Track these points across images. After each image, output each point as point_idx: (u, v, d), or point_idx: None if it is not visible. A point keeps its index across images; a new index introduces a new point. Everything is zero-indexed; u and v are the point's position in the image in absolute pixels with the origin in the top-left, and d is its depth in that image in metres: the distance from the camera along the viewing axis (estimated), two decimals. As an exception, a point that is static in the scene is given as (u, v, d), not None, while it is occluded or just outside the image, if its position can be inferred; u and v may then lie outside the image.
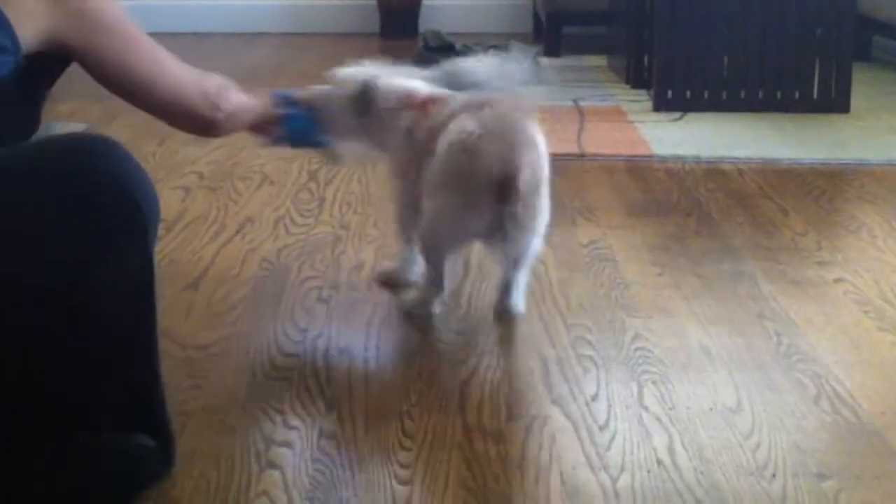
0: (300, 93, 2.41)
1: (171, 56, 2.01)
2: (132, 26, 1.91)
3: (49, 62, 1.80)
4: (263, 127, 2.35)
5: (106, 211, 1.50)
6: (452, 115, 2.17)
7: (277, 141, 2.42)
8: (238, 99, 2.18)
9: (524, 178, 2.08)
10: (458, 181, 2.12)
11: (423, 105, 2.27)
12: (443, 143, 2.14)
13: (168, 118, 2.09)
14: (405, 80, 2.35)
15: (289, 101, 2.38)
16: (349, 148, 2.48)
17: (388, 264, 2.50)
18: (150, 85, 1.96)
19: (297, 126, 2.38)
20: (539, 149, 2.18)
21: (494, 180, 2.08)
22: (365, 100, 2.31)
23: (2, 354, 1.45)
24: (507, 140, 2.10)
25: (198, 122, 2.11)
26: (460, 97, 2.24)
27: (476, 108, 2.15)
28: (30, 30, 1.71)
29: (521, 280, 2.29)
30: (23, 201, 1.46)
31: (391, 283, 2.41)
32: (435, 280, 2.27)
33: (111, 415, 1.55)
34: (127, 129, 3.63)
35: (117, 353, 1.54)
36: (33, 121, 1.83)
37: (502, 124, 2.12)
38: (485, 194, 2.10)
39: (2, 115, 1.68)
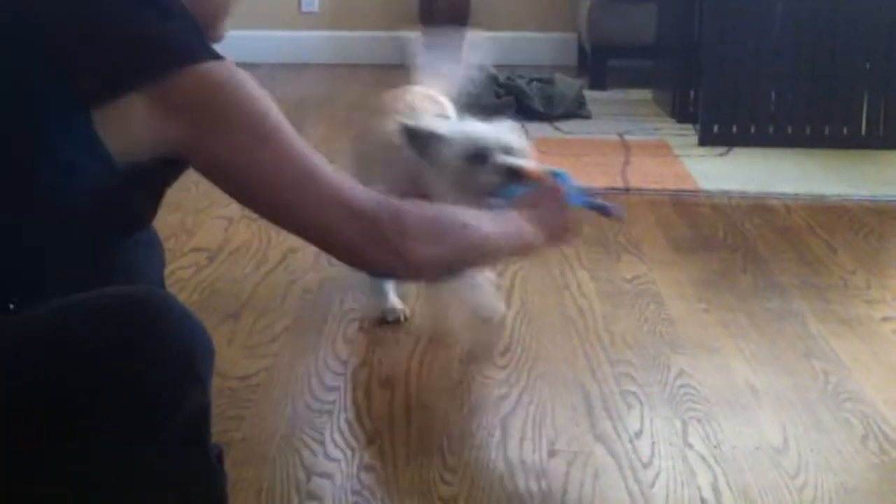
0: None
1: (324, 164, 1.55)
2: (277, 124, 1.50)
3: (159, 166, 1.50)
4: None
5: (164, 378, 1.37)
6: None
7: None
8: (451, 226, 1.67)
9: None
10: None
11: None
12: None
13: (315, 242, 1.66)
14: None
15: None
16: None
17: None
18: (288, 198, 1.54)
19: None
20: None
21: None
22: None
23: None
24: None
25: (348, 254, 1.62)
26: None
27: None
28: (131, 138, 1.43)
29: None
30: (80, 367, 1.35)
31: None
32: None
33: None
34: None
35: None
36: (150, 204, 1.59)
37: None
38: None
39: (104, 212, 1.49)
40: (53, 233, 1.46)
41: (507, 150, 2.01)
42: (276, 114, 1.50)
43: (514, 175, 1.95)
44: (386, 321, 2.39)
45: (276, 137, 1.50)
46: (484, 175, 1.98)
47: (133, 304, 1.38)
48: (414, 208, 1.63)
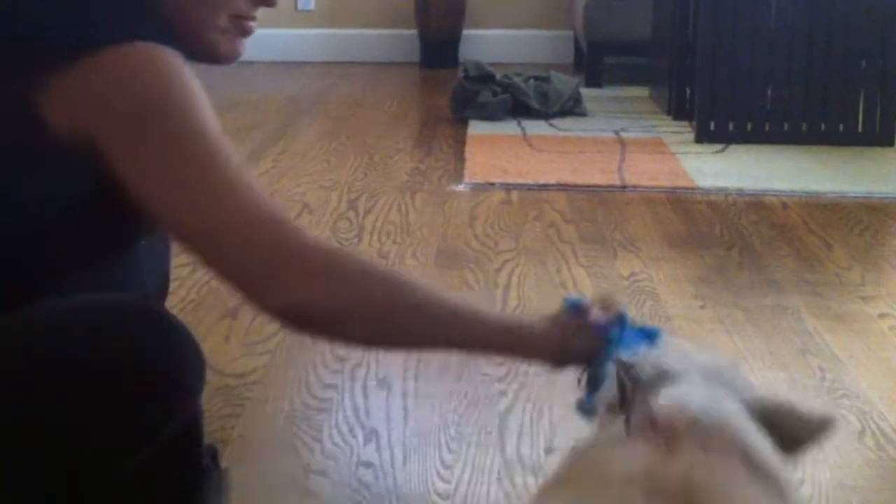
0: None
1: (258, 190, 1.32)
2: (194, 122, 1.29)
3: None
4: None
5: (151, 393, 1.33)
6: None
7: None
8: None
9: None
10: None
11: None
12: None
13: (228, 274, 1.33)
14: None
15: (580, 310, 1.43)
16: None
17: None
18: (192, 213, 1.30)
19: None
20: None
21: None
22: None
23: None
24: None
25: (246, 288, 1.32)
26: None
27: None
28: (60, 122, 1.29)
29: None
30: (69, 372, 1.31)
31: None
32: None
33: None
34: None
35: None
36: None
37: None
38: None
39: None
40: (54, 235, 1.38)
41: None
42: (191, 109, 1.30)
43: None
44: None
45: (186, 135, 1.29)
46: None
47: (121, 318, 1.33)
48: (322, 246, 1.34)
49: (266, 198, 1.31)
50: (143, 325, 1.32)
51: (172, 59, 1.30)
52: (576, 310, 1.41)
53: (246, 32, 1.47)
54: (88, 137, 1.28)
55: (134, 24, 1.33)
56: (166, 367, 1.32)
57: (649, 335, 1.38)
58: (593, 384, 1.37)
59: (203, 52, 1.44)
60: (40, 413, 1.30)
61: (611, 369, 1.29)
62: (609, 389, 1.27)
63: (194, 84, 1.31)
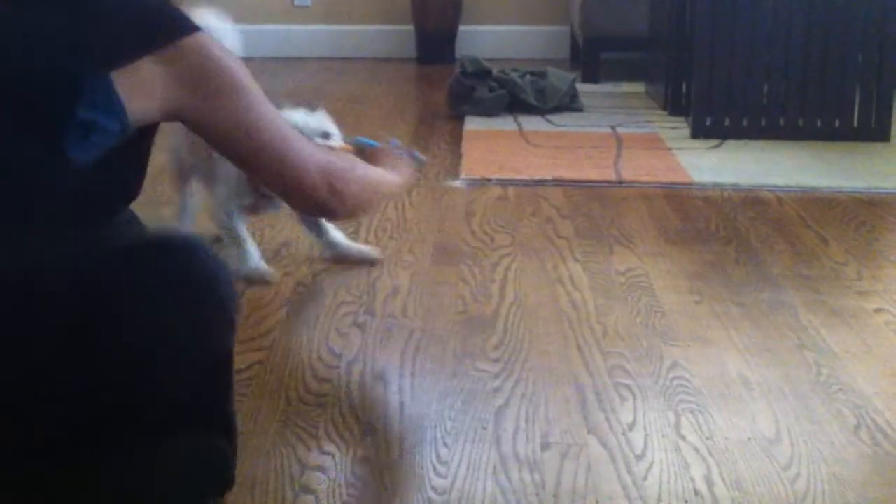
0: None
1: (294, 130, 1.88)
2: (257, 91, 1.77)
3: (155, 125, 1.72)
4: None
5: (203, 315, 1.53)
6: None
7: None
8: (364, 179, 2.06)
9: None
10: None
11: None
12: None
13: (284, 194, 1.99)
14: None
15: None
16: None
17: None
18: (271, 156, 1.82)
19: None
20: None
21: None
22: None
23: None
24: None
25: (312, 204, 1.98)
26: None
27: None
28: (144, 101, 1.62)
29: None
30: (130, 300, 1.48)
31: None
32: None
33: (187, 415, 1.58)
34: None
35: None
36: (139, 175, 1.75)
37: None
38: None
39: (107, 182, 1.63)
40: (61, 198, 1.56)
41: (325, 136, 2.52)
42: (253, 81, 1.77)
43: None
44: (251, 282, 2.57)
45: (258, 102, 1.77)
46: None
47: (166, 242, 1.57)
48: (346, 166, 2.00)
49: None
50: (202, 256, 1.54)
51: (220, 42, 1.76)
52: None
53: None
54: (177, 108, 1.66)
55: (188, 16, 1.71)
56: (218, 290, 1.54)
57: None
58: None
59: None
60: (102, 386, 1.45)
61: None
62: None
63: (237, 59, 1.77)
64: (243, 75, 1.75)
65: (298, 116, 2.56)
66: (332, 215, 2.33)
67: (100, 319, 1.44)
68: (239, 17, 1.73)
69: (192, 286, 1.51)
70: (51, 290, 1.44)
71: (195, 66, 1.67)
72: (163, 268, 1.50)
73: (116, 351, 1.45)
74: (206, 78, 1.69)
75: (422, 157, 2.54)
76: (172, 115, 1.68)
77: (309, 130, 2.40)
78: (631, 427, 1.92)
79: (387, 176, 2.20)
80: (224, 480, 1.66)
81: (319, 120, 2.61)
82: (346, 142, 2.52)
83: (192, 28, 1.68)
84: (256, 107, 1.77)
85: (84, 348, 1.43)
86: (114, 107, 1.56)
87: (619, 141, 4.11)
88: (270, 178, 1.93)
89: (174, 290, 1.49)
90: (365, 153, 2.32)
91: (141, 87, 1.60)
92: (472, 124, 4.38)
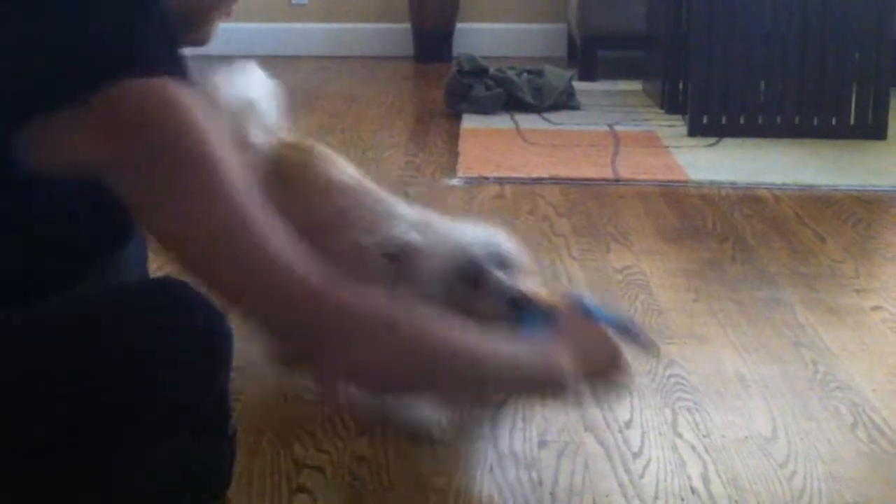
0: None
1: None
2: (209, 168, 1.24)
3: None
4: None
5: (194, 362, 1.45)
6: None
7: None
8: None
9: None
10: None
11: None
12: None
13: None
14: None
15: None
16: None
17: None
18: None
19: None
20: None
21: None
22: None
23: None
24: None
25: None
26: None
27: None
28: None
29: None
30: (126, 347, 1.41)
31: None
32: None
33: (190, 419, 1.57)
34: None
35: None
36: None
37: None
38: None
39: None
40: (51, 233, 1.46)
41: (504, 264, 1.68)
42: (214, 155, 1.25)
43: (521, 305, 1.61)
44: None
45: (206, 186, 1.25)
46: (483, 302, 1.65)
47: (158, 291, 1.44)
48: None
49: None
50: (180, 294, 1.41)
51: (186, 101, 1.25)
52: None
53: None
54: (98, 164, 1.24)
55: (149, 38, 1.26)
56: (206, 330, 1.43)
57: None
58: None
59: (198, 38, 1.50)
60: (101, 389, 1.40)
61: None
62: None
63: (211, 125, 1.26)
64: (194, 145, 1.26)
65: (460, 233, 1.76)
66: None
67: (99, 318, 1.44)
68: (236, 15, 1.67)
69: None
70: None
71: (124, 119, 1.24)
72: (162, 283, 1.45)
73: (115, 351, 1.44)
74: (136, 138, 1.25)
75: (648, 341, 1.73)
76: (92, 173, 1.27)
77: (476, 259, 1.68)
78: (628, 425, 1.92)
79: (533, 353, 1.48)
80: (222, 481, 1.66)
81: (491, 238, 1.77)
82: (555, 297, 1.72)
83: (135, 69, 1.23)
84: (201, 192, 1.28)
85: (84, 348, 1.43)
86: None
87: (616, 139, 4.11)
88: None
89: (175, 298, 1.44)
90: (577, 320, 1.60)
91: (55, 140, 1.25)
92: (469, 122, 4.38)
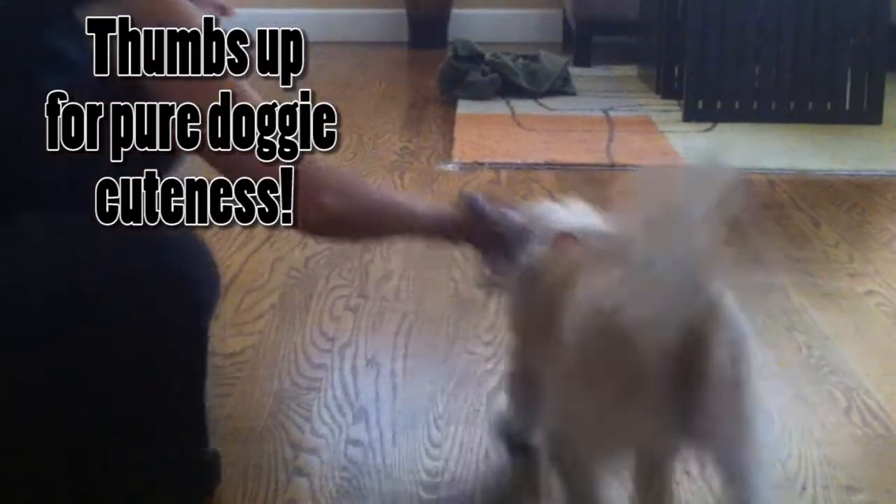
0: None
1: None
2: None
3: None
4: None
5: (172, 307, 1.50)
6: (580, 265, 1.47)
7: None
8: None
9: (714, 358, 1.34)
10: (603, 374, 1.35)
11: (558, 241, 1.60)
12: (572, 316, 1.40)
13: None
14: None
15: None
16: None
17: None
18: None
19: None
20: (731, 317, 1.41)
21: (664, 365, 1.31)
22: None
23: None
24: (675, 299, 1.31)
25: None
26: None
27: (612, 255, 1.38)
28: None
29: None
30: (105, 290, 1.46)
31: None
32: None
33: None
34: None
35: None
36: None
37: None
38: (651, 385, 1.32)
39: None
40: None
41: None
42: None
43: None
44: None
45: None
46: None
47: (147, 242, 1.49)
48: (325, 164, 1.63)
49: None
50: (175, 249, 1.51)
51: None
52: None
53: None
54: None
55: None
56: (188, 285, 1.51)
57: None
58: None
59: None
60: (81, 325, 1.43)
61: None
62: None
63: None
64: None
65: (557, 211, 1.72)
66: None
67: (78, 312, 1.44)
68: (229, 0, 1.69)
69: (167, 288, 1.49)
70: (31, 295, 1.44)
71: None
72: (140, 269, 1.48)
73: (96, 348, 1.44)
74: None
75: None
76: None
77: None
78: (623, 409, 1.92)
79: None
80: (210, 479, 1.65)
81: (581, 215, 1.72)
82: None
83: None
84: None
85: (71, 352, 1.43)
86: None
87: (612, 124, 4.11)
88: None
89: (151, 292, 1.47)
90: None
91: None
92: (465, 108, 4.37)
